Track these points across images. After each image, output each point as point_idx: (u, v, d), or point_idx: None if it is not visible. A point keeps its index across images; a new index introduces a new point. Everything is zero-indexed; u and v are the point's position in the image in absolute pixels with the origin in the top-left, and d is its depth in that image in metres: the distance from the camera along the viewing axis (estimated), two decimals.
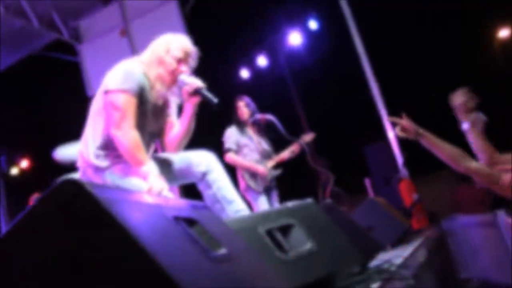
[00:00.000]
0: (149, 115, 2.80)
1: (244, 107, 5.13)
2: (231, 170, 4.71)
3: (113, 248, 0.83)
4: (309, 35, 7.89)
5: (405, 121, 2.83)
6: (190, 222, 1.15)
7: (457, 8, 11.69)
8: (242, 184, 5.00)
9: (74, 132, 3.21)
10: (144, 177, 2.56)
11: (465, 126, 3.09)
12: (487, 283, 6.42)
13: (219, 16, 8.17)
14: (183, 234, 1.01)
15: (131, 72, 2.69)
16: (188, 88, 2.79)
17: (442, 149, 2.83)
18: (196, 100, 2.82)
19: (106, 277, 0.82)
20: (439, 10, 11.60)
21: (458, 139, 3.19)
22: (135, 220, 0.88)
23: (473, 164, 2.83)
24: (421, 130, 2.87)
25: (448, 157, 2.82)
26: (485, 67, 13.33)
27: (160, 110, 2.91)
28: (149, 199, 1.07)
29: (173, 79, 2.80)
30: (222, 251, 1.12)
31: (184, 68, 2.81)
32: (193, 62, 2.90)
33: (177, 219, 1.06)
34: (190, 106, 2.84)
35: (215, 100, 2.78)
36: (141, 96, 2.69)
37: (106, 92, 2.68)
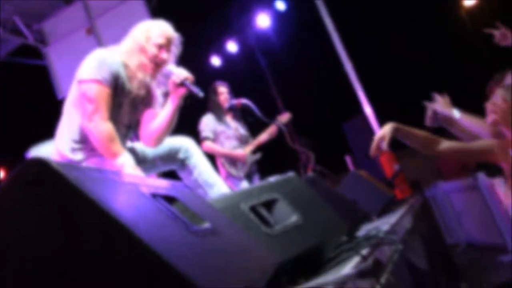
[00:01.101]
0: (126, 106, 2.71)
1: (226, 93, 5.09)
2: (210, 159, 4.68)
3: (88, 226, 0.80)
4: (278, 16, 7.84)
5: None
6: (170, 199, 1.11)
7: None
8: (222, 172, 4.97)
9: (48, 137, 3.13)
10: (120, 169, 2.51)
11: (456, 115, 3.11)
12: (473, 246, 6.53)
13: (186, 6, 8.07)
14: (162, 210, 0.97)
15: (104, 61, 2.60)
16: (175, 79, 2.71)
17: (415, 138, 2.85)
18: (182, 92, 2.74)
19: (83, 257, 0.79)
20: None
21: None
22: (109, 197, 0.84)
23: (443, 145, 2.85)
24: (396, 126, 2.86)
25: (420, 145, 2.85)
26: (453, 37, 13.45)
27: (141, 101, 2.81)
28: (123, 177, 1.03)
29: (156, 67, 2.72)
30: (206, 225, 1.09)
31: (165, 55, 2.73)
32: (176, 49, 2.82)
33: (155, 196, 1.03)
34: (175, 98, 2.76)
35: (200, 93, 2.72)
36: (116, 86, 2.61)
37: (80, 82, 2.60)
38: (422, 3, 11.82)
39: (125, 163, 2.51)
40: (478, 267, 5.59)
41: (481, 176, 5.72)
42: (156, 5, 7.27)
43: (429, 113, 3.28)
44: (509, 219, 4.85)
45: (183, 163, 2.91)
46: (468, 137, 3.33)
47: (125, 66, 2.66)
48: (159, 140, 2.86)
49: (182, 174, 2.96)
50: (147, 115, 2.88)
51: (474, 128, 3.01)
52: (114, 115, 2.62)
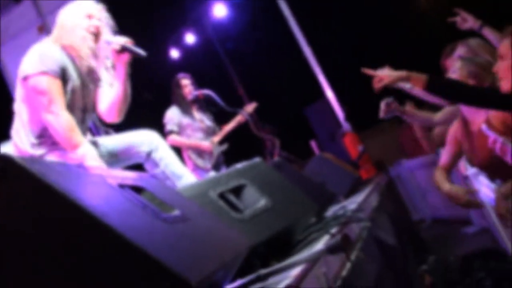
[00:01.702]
0: (78, 91, 2.68)
1: (189, 85, 5.05)
2: (176, 152, 4.65)
3: (56, 219, 0.79)
4: (234, 4, 7.81)
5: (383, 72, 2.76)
6: (137, 189, 1.11)
7: None
8: (189, 164, 4.95)
9: (3, 138, 3.07)
10: (82, 161, 2.48)
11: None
12: (439, 221, 6.71)
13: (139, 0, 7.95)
14: (130, 199, 0.97)
15: (46, 53, 2.57)
16: (115, 46, 2.69)
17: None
18: (126, 57, 2.71)
19: (53, 249, 0.78)
20: None
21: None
22: (75, 188, 0.84)
23: None
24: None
25: None
26: (413, 19, 13.67)
27: (91, 81, 2.79)
28: (89, 169, 1.02)
29: (94, 38, 2.70)
30: (175, 212, 1.09)
31: (97, 21, 2.72)
32: (104, 17, 2.80)
33: (122, 186, 1.02)
34: (122, 66, 2.73)
35: (143, 53, 2.72)
36: (64, 75, 2.58)
37: (25, 78, 2.56)
38: None
39: (87, 154, 2.48)
40: (444, 240, 5.75)
41: (442, 152, 5.85)
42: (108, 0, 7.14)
43: (382, 106, 3.37)
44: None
45: (148, 156, 2.89)
46: (422, 123, 3.45)
47: (66, 49, 2.64)
48: (120, 112, 2.85)
49: (148, 166, 2.94)
50: (100, 93, 2.85)
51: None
52: (69, 104, 2.59)
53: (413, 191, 7.13)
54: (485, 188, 3.24)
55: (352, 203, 2.81)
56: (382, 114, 3.40)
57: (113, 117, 2.86)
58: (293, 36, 6.74)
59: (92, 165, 2.41)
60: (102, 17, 2.77)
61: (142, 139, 2.87)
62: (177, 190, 1.42)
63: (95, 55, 2.72)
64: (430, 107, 3.63)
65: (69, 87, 2.61)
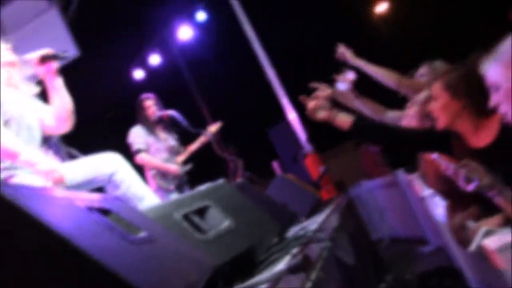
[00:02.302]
0: (16, 113, 2.71)
1: (153, 105, 5.06)
2: (139, 172, 4.64)
3: (26, 242, 0.81)
4: (199, 26, 7.88)
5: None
6: (104, 211, 1.14)
7: None
8: (152, 184, 4.93)
9: None
10: (30, 167, 2.47)
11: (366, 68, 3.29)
12: (397, 240, 6.85)
13: (104, 17, 7.93)
14: (98, 222, 1.00)
15: None
16: (35, 61, 2.70)
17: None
18: (49, 65, 2.70)
19: (23, 271, 0.80)
20: None
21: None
22: (44, 211, 0.87)
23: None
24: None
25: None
26: (368, 43, 14.06)
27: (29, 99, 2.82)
28: (57, 192, 1.05)
29: (12, 67, 2.74)
30: (142, 234, 1.13)
31: (8, 52, 2.76)
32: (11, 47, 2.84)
33: (90, 208, 1.05)
34: (50, 76, 2.74)
35: (70, 53, 2.76)
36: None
37: None
38: (339, 11, 12.29)
39: (31, 159, 2.48)
40: (401, 259, 5.87)
41: (400, 173, 6.01)
42: (73, 18, 7.11)
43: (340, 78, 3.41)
44: (427, 213, 5.14)
45: (110, 179, 2.90)
46: (368, 110, 3.52)
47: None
48: (66, 122, 2.87)
49: (109, 189, 2.94)
50: (41, 110, 2.88)
51: (380, 78, 3.23)
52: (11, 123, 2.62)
53: (372, 211, 7.27)
54: (441, 209, 3.36)
55: (313, 223, 2.87)
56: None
57: (61, 129, 2.89)
58: (257, 58, 6.86)
59: (43, 170, 2.42)
60: (10, 47, 2.81)
61: (104, 161, 2.88)
62: (142, 212, 1.45)
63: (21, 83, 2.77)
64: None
65: (7, 113, 2.63)
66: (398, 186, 6.19)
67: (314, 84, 2.99)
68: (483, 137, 2.25)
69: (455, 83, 2.23)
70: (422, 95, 2.90)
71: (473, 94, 2.21)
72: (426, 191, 4.82)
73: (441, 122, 2.31)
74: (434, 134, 2.47)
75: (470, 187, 1.65)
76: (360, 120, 2.51)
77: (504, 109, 1.64)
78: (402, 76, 3.13)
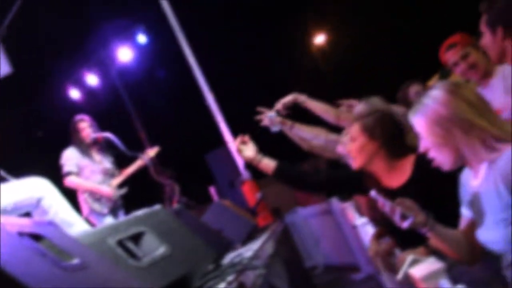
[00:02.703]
0: None
1: (88, 127, 4.93)
2: (72, 195, 4.49)
3: None
4: (139, 49, 7.81)
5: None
6: (36, 237, 1.10)
7: (274, 17, 12.51)
8: (85, 208, 4.79)
9: None
10: None
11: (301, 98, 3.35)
12: (330, 268, 6.98)
13: (42, 35, 7.72)
14: (30, 248, 0.97)
15: None
16: None
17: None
18: None
19: None
20: (260, 18, 12.32)
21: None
22: None
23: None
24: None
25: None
26: (307, 72, 14.48)
27: None
28: None
29: None
30: (75, 261, 1.10)
31: None
32: None
33: (21, 234, 1.02)
34: None
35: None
36: None
37: None
38: (279, 39, 12.59)
39: None
40: (334, 286, 5.99)
41: (334, 201, 6.17)
42: (6, 35, 6.87)
43: (266, 121, 3.43)
44: (359, 241, 5.29)
45: (37, 204, 2.80)
46: (303, 143, 3.60)
47: None
48: None
49: (37, 214, 2.84)
50: None
51: (320, 112, 3.30)
52: None
53: (307, 238, 7.38)
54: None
55: (248, 250, 2.88)
56: (264, 122, 3.45)
57: None
58: (197, 83, 6.86)
59: None
60: None
61: (32, 186, 2.79)
62: (75, 238, 1.41)
63: None
64: None
65: None
66: (332, 214, 6.33)
67: (259, 109, 3.10)
68: (396, 178, 2.38)
69: (372, 126, 2.36)
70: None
71: (388, 137, 2.34)
72: (358, 220, 4.96)
73: (357, 162, 2.44)
74: (350, 176, 2.61)
75: (405, 224, 1.73)
76: (283, 165, 2.65)
77: (432, 155, 1.74)
78: (340, 110, 3.23)
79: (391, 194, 2.35)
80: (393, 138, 2.37)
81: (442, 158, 1.73)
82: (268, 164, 2.67)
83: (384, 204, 1.74)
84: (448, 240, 1.80)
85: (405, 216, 1.72)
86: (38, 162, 4.88)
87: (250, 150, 2.74)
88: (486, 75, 2.80)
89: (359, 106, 3.27)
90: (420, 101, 1.74)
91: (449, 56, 2.86)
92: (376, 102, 3.29)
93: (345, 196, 5.63)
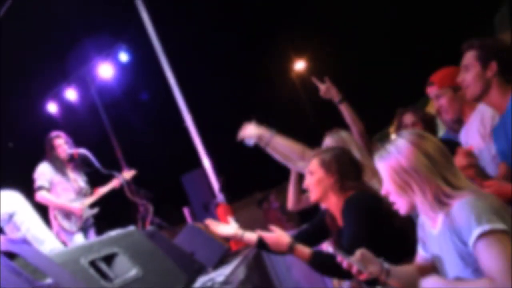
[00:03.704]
0: None
1: (64, 144, 4.89)
2: (43, 211, 4.44)
3: None
4: (121, 67, 7.81)
5: None
6: (11, 255, 1.11)
7: (255, 42, 12.68)
8: (54, 225, 4.72)
9: None
10: None
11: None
12: None
13: (21, 47, 7.68)
14: (5, 267, 0.98)
15: None
16: None
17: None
18: None
19: None
20: (241, 41, 12.47)
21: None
22: None
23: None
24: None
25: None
26: (286, 97, 14.64)
27: None
28: None
29: None
30: (48, 281, 1.11)
31: None
32: None
33: None
34: None
35: None
36: None
37: None
38: (259, 65, 12.73)
39: None
40: None
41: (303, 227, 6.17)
42: None
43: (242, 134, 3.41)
44: None
45: (10, 219, 2.77)
46: (281, 158, 3.60)
47: None
48: None
49: (8, 230, 2.80)
50: None
51: (285, 150, 3.29)
52: None
53: (279, 264, 7.36)
54: None
55: (220, 275, 2.88)
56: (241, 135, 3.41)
57: None
58: (176, 104, 6.88)
59: None
60: None
61: (4, 201, 2.75)
62: (49, 257, 1.42)
63: None
64: None
65: None
66: None
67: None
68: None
69: (329, 161, 2.45)
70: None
71: (343, 174, 2.44)
72: (330, 248, 4.96)
73: (314, 195, 2.54)
74: (314, 226, 2.70)
75: (363, 277, 1.79)
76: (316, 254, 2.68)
77: (392, 199, 1.82)
78: (307, 147, 3.25)
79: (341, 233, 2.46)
80: (348, 175, 2.47)
81: (399, 204, 1.80)
82: (251, 237, 2.78)
83: (342, 260, 1.80)
84: (403, 280, 1.87)
85: (361, 270, 1.78)
86: (8, 174, 4.83)
87: (229, 227, 2.85)
88: (460, 115, 2.87)
89: (326, 139, 3.33)
90: (385, 147, 1.81)
91: (428, 91, 2.94)
92: (343, 135, 3.35)
93: None
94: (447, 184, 1.70)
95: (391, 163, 1.76)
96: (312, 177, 2.53)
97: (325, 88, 3.50)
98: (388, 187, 1.80)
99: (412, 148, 1.73)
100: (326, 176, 2.47)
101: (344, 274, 2.30)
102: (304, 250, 2.42)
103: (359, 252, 1.80)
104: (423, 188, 1.71)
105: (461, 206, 1.63)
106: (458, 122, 2.87)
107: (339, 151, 2.56)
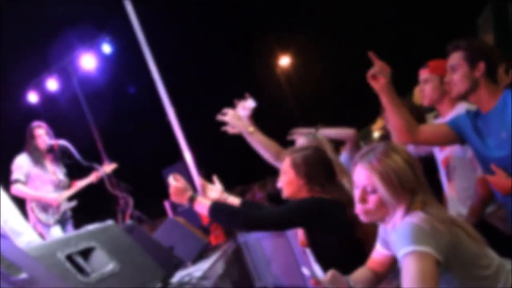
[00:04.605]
0: None
1: (44, 135, 4.83)
2: (20, 203, 4.39)
3: None
4: (103, 58, 7.73)
5: None
6: None
7: (240, 37, 12.66)
8: (31, 217, 4.67)
9: None
10: None
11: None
12: None
13: (2, 35, 7.56)
14: None
15: None
16: None
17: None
18: None
19: None
20: (227, 36, 12.44)
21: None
22: None
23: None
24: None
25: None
26: (270, 93, 14.66)
27: None
28: None
29: None
30: (23, 275, 1.11)
31: None
32: None
33: None
34: None
35: None
36: None
37: None
38: (244, 60, 12.73)
39: None
40: None
41: None
42: None
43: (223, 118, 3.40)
44: (309, 264, 5.35)
45: None
46: (261, 150, 3.62)
47: None
48: None
49: None
50: None
51: (261, 148, 3.30)
52: None
53: (259, 259, 7.40)
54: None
55: (198, 270, 2.90)
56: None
57: None
58: (158, 96, 6.84)
59: None
60: None
61: None
62: (25, 251, 1.41)
63: None
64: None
65: None
66: (285, 236, 6.38)
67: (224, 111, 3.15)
68: None
69: (299, 163, 2.48)
70: None
71: (311, 176, 2.46)
72: (306, 271, 5.00)
73: (286, 193, 2.57)
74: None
75: None
76: (246, 203, 2.75)
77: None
78: (283, 148, 3.26)
79: None
80: (317, 177, 2.48)
81: (360, 211, 1.83)
82: (233, 201, 2.77)
83: (314, 281, 1.83)
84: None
85: None
86: None
87: (215, 190, 2.83)
88: (435, 105, 2.93)
89: (299, 140, 3.33)
90: (362, 153, 1.83)
91: (421, 72, 2.97)
92: (319, 138, 3.34)
93: None
94: (400, 203, 1.73)
95: (366, 173, 1.78)
96: (284, 176, 2.56)
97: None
98: (356, 194, 1.83)
99: (378, 162, 1.75)
100: (296, 178, 2.49)
101: (239, 223, 2.37)
102: (204, 201, 2.46)
103: (330, 273, 1.83)
104: (379, 203, 1.75)
105: (403, 225, 1.68)
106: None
107: (311, 151, 2.56)
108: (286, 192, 2.56)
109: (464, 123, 2.40)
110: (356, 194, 1.81)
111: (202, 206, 2.43)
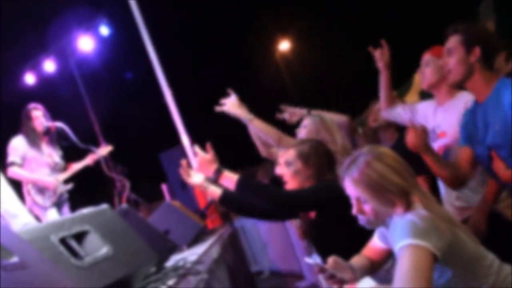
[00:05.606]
0: None
1: (41, 116, 4.80)
2: (17, 185, 4.38)
3: None
4: (101, 40, 7.67)
5: None
6: None
7: (239, 20, 12.56)
8: (28, 200, 4.67)
9: None
10: None
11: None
12: (276, 273, 7.06)
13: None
14: None
15: None
16: None
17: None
18: None
19: None
20: (227, 20, 12.35)
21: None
22: None
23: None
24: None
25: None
26: (270, 78, 14.60)
27: None
28: None
29: None
30: (14, 259, 1.11)
31: None
32: None
33: None
34: None
35: None
36: None
37: None
38: (243, 44, 12.64)
39: None
40: None
41: None
42: None
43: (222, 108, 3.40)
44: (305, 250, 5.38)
45: None
46: (263, 148, 3.63)
47: None
48: None
49: None
50: None
51: (262, 134, 3.31)
52: None
53: (255, 243, 7.44)
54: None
55: (193, 254, 2.91)
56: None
57: None
58: (156, 80, 6.80)
59: None
60: None
61: None
62: (17, 233, 1.40)
63: None
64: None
65: None
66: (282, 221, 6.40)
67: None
68: None
69: (307, 153, 2.48)
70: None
71: (319, 166, 2.47)
72: (309, 260, 5.03)
73: (289, 186, 2.56)
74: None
75: (335, 284, 1.82)
76: (227, 193, 2.72)
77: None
78: (283, 134, 3.26)
79: (312, 224, 2.50)
80: (323, 168, 2.52)
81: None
82: (215, 191, 2.75)
83: (319, 269, 1.83)
84: (363, 274, 1.96)
85: (333, 275, 1.82)
86: None
87: (198, 177, 2.81)
88: (432, 91, 2.92)
89: (305, 120, 3.32)
90: (349, 163, 1.82)
91: (424, 54, 2.94)
92: (324, 117, 3.33)
93: None
94: (387, 207, 1.74)
95: (352, 187, 1.78)
96: (289, 168, 2.55)
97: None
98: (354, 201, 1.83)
99: (364, 167, 1.75)
100: (304, 168, 2.50)
101: (267, 198, 2.37)
102: (231, 175, 2.46)
103: (332, 259, 1.83)
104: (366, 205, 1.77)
105: (397, 221, 1.70)
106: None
107: (316, 143, 2.60)
108: (290, 184, 2.55)
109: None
110: (353, 206, 1.82)
111: (229, 179, 2.44)
